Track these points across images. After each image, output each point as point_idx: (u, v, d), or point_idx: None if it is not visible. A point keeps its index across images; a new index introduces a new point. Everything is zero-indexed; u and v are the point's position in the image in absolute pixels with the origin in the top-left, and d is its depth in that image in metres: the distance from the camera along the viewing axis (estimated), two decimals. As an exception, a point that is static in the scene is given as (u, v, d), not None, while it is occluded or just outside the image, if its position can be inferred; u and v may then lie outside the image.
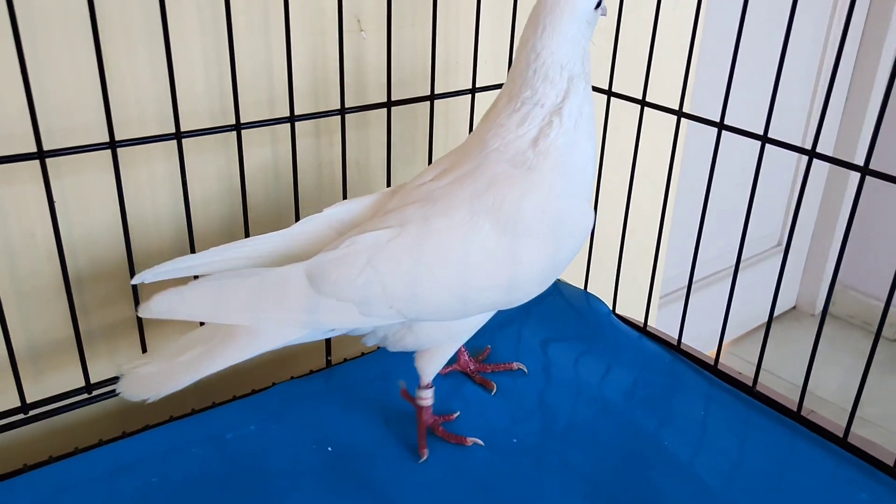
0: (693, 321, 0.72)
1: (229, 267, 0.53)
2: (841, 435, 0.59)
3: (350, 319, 0.51)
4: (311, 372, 0.66)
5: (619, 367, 0.68)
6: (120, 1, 0.55)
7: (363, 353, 0.70)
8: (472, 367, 0.67)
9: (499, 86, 0.70)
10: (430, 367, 0.57)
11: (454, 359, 0.66)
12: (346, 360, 0.69)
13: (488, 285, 0.52)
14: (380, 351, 0.70)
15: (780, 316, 2.02)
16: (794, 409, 0.62)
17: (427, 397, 0.58)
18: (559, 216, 0.52)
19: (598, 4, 0.52)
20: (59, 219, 0.52)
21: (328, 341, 0.68)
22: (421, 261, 0.50)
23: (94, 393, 0.57)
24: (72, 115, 0.55)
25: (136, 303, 0.56)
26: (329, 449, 0.58)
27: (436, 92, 0.67)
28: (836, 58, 0.53)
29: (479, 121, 0.56)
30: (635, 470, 0.57)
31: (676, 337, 0.70)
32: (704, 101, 0.74)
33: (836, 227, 1.92)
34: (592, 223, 0.55)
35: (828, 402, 1.66)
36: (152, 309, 0.49)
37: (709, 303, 1.42)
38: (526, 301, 0.55)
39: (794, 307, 2.06)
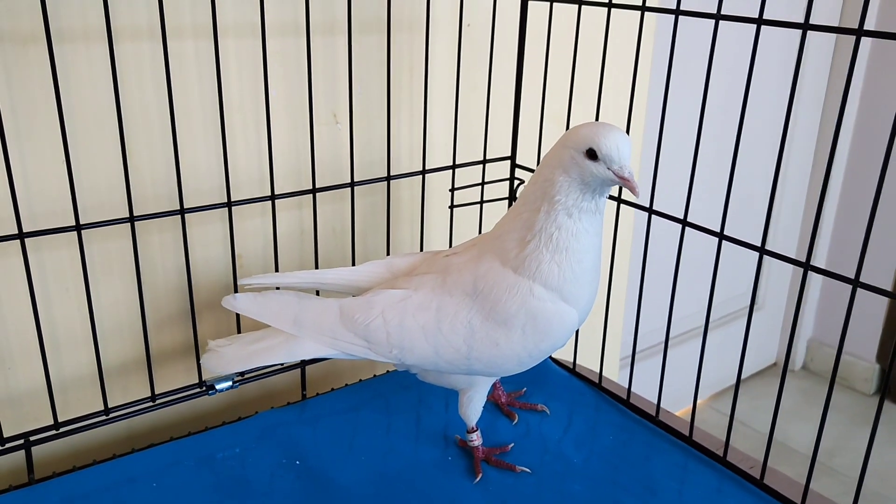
0: (676, 373, 0.78)
1: (307, 286, 0.71)
2: (798, 500, 0.66)
3: (362, 352, 0.66)
4: (288, 403, 0.80)
5: (602, 436, 0.77)
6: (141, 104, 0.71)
7: (332, 389, 0.83)
8: (503, 400, 0.80)
9: (446, 167, 0.85)
10: (468, 413, 0.70)
11: (490, 391, 0.78)
12: (318, 394, 0.82)
13: (470, 356, 0.65)
14: (350, 387, 0.83)
15: (761, 371, 2.12)
16: (757, 475, 0.69)
17: (475, 439, 0.71)
18: (535, 315, 0.62)
19: (592, 154, 0.58)
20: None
21: (303, 378, 0.82)
22: (418, 323, 0.65)
23: (111, 415, 0.71)
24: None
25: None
26: (297, 462, 0.71)
27: (395, 173, 0.82)
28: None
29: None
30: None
31: (655, 402, 0.77)
32: (675, 198, 0.76)
33: (809, 288, 2.03)
34: (573, 324, 0.63)
35: (800, 453, 1.74)
36: (236, 305, 0.68)
37: (690, 355, 1.51)
38: (506, 375, 0.69)
39: (774, 363, 2.15)
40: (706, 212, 0.75)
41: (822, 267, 0.63)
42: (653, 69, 1.10)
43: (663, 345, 0.76)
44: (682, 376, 1.00)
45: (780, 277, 2.04)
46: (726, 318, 1.92)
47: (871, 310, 1.91)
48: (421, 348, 0.65)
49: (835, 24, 1.71)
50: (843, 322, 0.60)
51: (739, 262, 0.75)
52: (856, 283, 0.59)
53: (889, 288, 0.57)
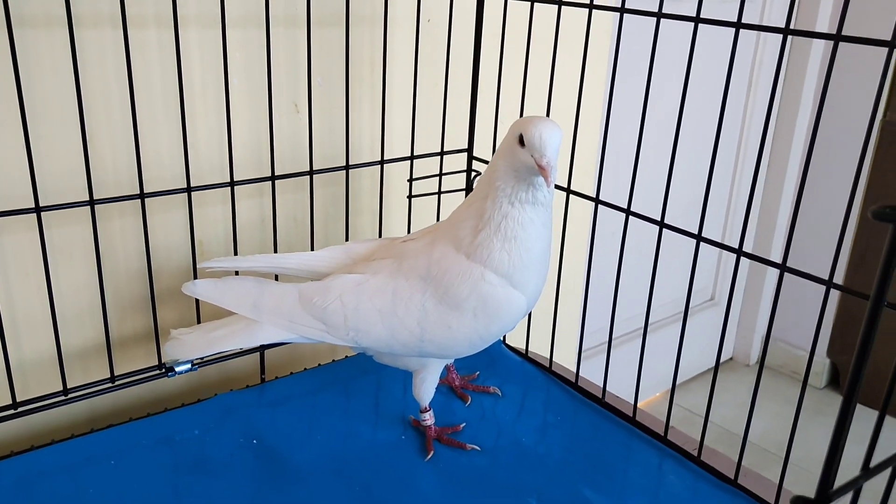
0: (629, 370, 0.80)
1: (266, 270, 0.72)
2: (732, 475, 0.69)
3: (320, 335, 0.68)
4: (248, 386, 0.82)
5: (552, 417, 0.80)
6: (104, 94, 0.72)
7: (291, 373, 0.85)
8: (457, 383, 0.82)
9: (404, 158, 0.88)
10: (421, 393, 0.72)
11: (444, 374, 0.81)
12: (277, 377, 0.84)
13: (423, 338, 0.67)
14: (309, 371, 0.85)
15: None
16: (696, 453, 0.72)
17: (427, 418, 0.74)
18: (486, 300, 0.65)
19: (521, 141, 0.60)
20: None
21: (262, 362, 0.83)
22: (375, 306, 0.67)
23: (70, 395, 0.72)
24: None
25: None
26: (255, 442, 0.73)
27: (355, 162, 0.84)
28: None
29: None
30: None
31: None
32: (623, 189, 0.77)
33: (765, 284, 2.09)
34: (521, 309, 0.66)
35: (753, 444, 1.80)
36: (195, 290, 0.69)
37: (649, 348, 1.53)
38: (459, 357, 0.71)
39: (731, 358, 2.21)
40: (673, 210, 0.76)
41: (777, 261, 0.65)
42: (614, 67, 1.14)
43: (630, 334, 0.79)
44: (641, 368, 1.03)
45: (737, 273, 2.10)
46: (681, 315, 1.97)
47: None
48: (377, 331, 0.67)
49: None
50: (798, 319, 0.64)
51: (701, 259, 0.76)
52: (783, 267, 0.62)
53: (848, 285, 0.60)
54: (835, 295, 2.03)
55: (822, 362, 2.05)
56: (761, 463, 1.85)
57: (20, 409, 0.70)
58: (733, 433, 1.83)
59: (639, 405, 0.79)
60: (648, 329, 0.76)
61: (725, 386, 2.06)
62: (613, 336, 0.79)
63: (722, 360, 2.24)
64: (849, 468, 0.41)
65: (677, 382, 0.76)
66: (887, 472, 0.43)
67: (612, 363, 0.82)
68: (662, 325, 1.86)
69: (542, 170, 0.59)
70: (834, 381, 2.08)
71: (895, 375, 0.44)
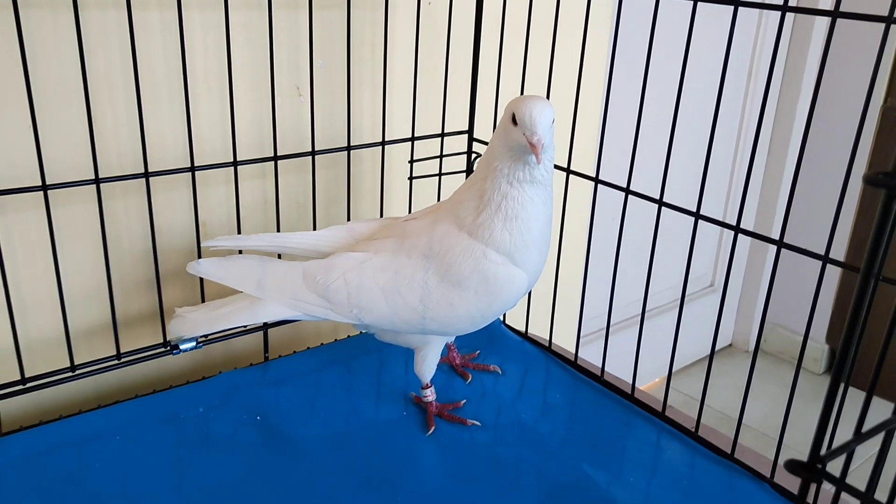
0: (629, 354, 0.80)
1: (270, 249, 0.73)
2: (729, 450, 0.71)
3: (323, 312, 0.69)
4: (251, 364, 0.83)
5: (552, 395, 0.81)
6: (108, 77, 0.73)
7: (294, 352, 0.86)
8: (457, 362, 0.83)
9: (405, 139, 0.88)
10: (422, 370, 0.73)
11: (444, 353, 0.82)
12: (280, 356, 0.85)
13: (425, 315, 0.68)
14: (312, 350, 0.86)
15: (717, 352, 2.19)
16: (693, 428, 0.73)
17: (428, 395, 0.75)
18: (488, 277, 0.66)
19: (514, 120, 0.62)
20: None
21: (265, 340, 0.84)
22: (378, 284, 0.68)
23: (77, 372, 0.73)
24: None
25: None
26: (258, 418, 0.74)
27: (357, 143, 0.85)
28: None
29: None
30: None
31: (602, 366, 0.81)
32: (624, 169, 0.76)
33: (765, 270, 2.10)
34: (522, 287, 0.67)
35: (752, 428, 1.81)
36: (200, 269, 0.70)
37: (648, 333, 1.54)
38: (460, 334, 0.72)
39: (730, 344, 2.22)
40: (677, 197, 0.76)
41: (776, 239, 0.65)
42: (613, 47, 1.14)
43: (630, 320, 0.80)
44: (642, 354, 1.02)
45: (737, 258, 2.11)
46: (686, 299, 1.97)
47: (823, 290, 1.98)
48: (380, 308, 0.68)
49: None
50: (799, 305, 0.64)
51: (701, 245, 0.76)
52: (780, 243, 0.63)
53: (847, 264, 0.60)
54: (834, 281, 2.05)
55: (820, 348, 2.06)
56: (761, 447, 1.86)
57: (29, 385, 0.71)
58: (732, 418, 1.85)
59: (638, 390, 0.80)
60: (649, 314, 0.77)
61: (725, 371, 2.08)
62: (613, 321, 0.80)
63: (722, 347, 2.27)
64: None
65: (677, 368, 0.77)
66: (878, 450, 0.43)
67: (612, 348, 0.83)
68: (663, 311, 1.87)
69: (532, 147, 0.60)
70: (833, 367, 2.09)
71: (883, 353, 0.45)
